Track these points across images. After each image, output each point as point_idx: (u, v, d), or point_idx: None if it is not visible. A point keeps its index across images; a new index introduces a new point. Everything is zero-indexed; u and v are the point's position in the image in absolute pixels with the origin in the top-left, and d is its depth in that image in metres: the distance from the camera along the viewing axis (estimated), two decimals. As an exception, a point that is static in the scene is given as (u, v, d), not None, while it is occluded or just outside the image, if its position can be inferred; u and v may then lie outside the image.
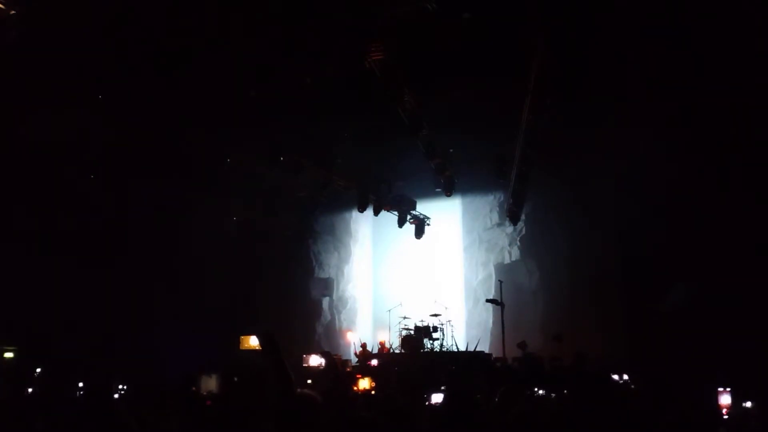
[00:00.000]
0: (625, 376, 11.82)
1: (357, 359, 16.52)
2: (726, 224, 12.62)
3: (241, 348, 14.63)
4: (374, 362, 14.77)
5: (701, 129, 12.42)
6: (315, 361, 14.42)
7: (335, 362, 13.81)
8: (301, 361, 14.47)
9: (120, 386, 8.96)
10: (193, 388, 8.34)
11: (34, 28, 9.82)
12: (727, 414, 7.05)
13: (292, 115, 13.75)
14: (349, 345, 18.52)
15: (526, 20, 10.48)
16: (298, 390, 4.03)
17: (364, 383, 11.21)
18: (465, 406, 4.17)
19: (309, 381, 8.27)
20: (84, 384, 8.27)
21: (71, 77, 11.26)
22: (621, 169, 14.88)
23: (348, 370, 14.65)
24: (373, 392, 10.66)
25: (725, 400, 7.23)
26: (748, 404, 6.92)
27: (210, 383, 10.71)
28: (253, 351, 12.27)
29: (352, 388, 10.76)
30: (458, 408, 4.20)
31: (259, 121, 13.90)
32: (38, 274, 12.73)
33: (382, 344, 16.75)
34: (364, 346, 16.97)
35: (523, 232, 19.51)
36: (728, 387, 7.33)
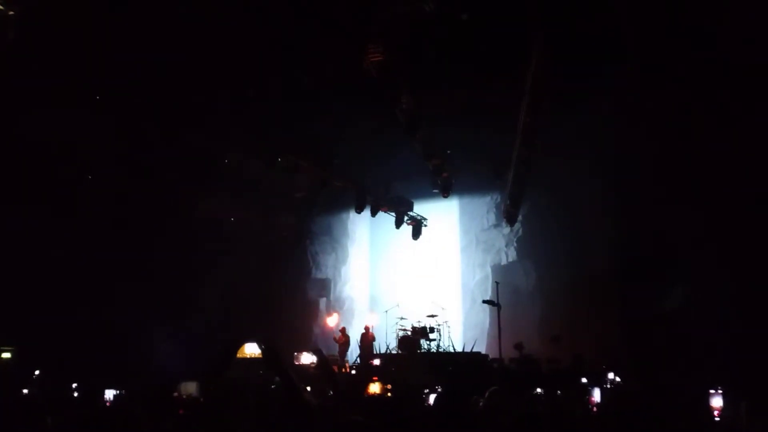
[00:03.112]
0: (618, 378, 11.83)
1: (338, 345, 16.56)
2: (725, 225, 12.62)
3: (238, 356, 14.51)
4: (376, 362, 14.74)
5: (701, 129, 12.43)
6: (307, 359, 14.40)
7: (327, 360, 13.82)
8: (293, 359, 14.46)
9: (114, 390, 8.92)
10: (175, 394, 8.23)
11: (32, 28, 9.82)
12: (719, 416, 7.06)
13: (289, 115, 13.77)
14: (331, 331, 18.48)
15: (524, 21, 10.49)
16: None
17: (375, 387, 11.20)
18: (456, 406, 4.18)
19: (309, 388, 8.24)
20: (78, 386, 8.27)
21: (69, 77, 11.26)
22: (618, 169, 14.92)
23: (344, 371, 14.63)
24: (389, 394, 10.62)
25: (717, 402, 7.23)
26: (741, 406, 6.92)
27: (189, 387, 10.46)
28: (251, 360, 12.05)
29: (364, 393, 10.71)
30: (449, 408, 4.21)
31: (256, 122, 13.91)
32: (36, 274, 12.72)
33: (367, 329, 16.72)
34: (343, 330, 17.01)
35: (520, 233, 19.52)
36: (720, 389, 7.33)
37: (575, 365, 12.35)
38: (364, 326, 17.03)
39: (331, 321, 18.98)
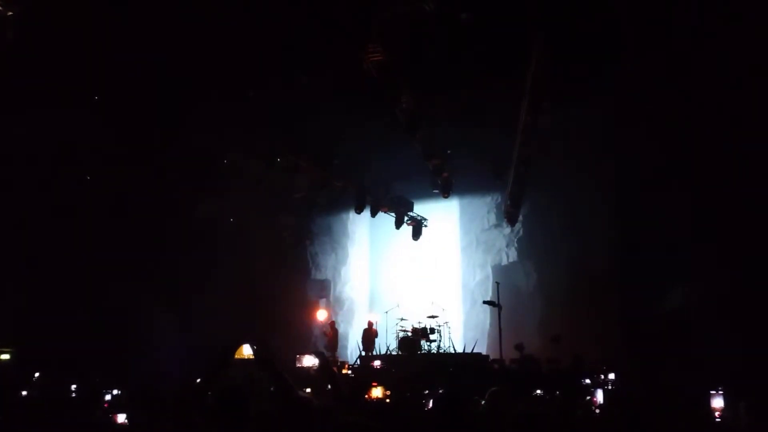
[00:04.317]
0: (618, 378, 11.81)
1: (326, 339, 16.48)
2: (725, 225, 12.62)
3: (237, 357, 14.46)
4: (377, 363, 14.68)
5: (701, 129, 12.42)
6: (309, 361, 14.35)
7: (329, 362, 13.75)
8: (295, 361, 14.42)
9: (115, 391, 8.91)
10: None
11: (32, 28, 9.81)
12: (719, 417, 7.05)
13: (289, 115, 13.76)
14: (321, 326, 18.38)
15: (524, 21, 10.49)
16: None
17: (377, 392, 11.18)
18: (457, 407, 4.16)
19: (308, 389, 8.20)
20: (77, 387, 8.25)
21: (69, 77, 11.25)
22: (619, 170, 14.91)
23: (344, 372, 14.59)
24: (387, 400, 10.59)
25: (718, 402, 7.21)
26: (741, 406, 6.91)
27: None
28: (249, 361, 12.08)
29: (365, 397, 10.67)
30: (450, 409, 4.19)
31: (256, 122, 13.90)
32: (36, 274, 12.71)
33: (370, 324, 16.65)
34: (332, 324, 16.94)
35: (521, 233, 19.52)
36: (720, 389, 7.31)
37: (575, 365, 12.33)
38: (367, 322, 16.93)
39: (321, 315, 18.86)
